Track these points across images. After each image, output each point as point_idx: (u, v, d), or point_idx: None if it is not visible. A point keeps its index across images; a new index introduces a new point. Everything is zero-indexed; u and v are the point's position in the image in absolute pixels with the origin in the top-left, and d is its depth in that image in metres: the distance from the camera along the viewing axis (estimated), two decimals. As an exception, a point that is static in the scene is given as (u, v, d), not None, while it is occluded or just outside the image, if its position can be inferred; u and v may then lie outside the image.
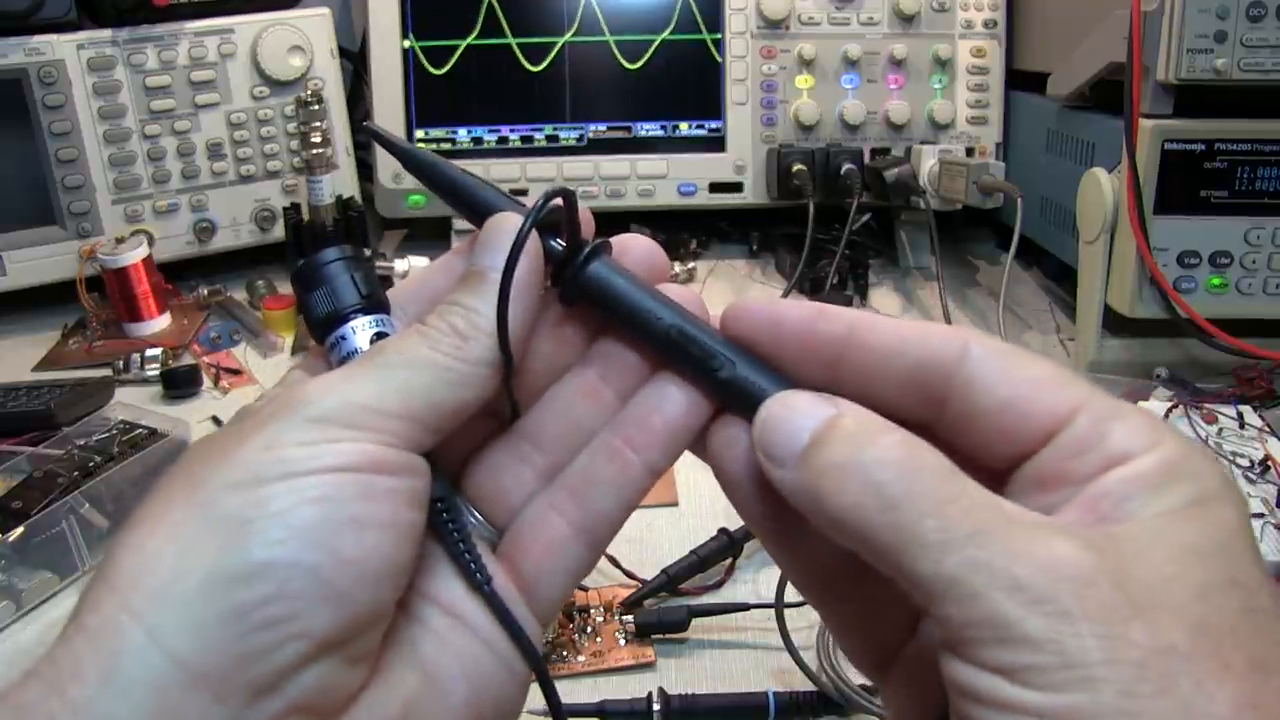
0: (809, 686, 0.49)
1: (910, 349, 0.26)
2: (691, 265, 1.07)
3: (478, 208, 0.30)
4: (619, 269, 0.29)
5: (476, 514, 0.30)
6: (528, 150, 1.11)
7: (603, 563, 0.57)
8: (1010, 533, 0.21)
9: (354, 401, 0.25)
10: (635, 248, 0.30)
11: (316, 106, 0.97)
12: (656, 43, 1.09)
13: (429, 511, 0.26)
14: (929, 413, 0.26)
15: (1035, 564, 0.21)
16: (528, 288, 0.28)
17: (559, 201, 0.28)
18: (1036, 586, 0.20)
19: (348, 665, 0.24)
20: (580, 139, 1.11)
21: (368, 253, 0.98)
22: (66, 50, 0.95)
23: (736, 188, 1.10)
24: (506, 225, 0.28)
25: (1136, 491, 0.22)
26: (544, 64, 1.09)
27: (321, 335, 0.29)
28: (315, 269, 0.29)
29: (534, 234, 0.28)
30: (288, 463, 0.24)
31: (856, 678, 0.49)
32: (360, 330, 0.28)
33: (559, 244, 0.29)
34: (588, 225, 0.30)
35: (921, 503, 0.22)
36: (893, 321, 0.26)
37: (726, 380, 0.28)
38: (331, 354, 0.28)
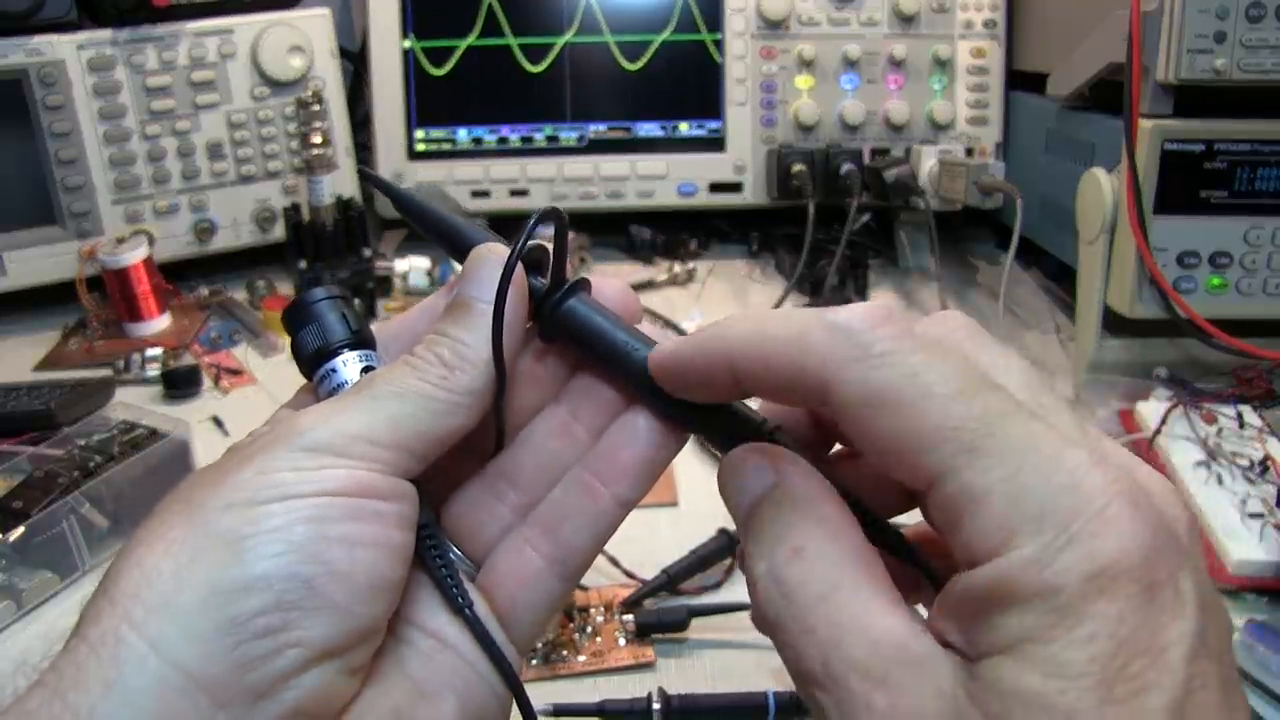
0: (809, 686, 0.49)
1: (784, 384, 0.24)
2: (691, 265, 1.07)
3: (466, 249, 0.30)
4: (598, 306, 0.30)
5: (455, 550, 0.30)
6: (528, 150, 1.11)
7: (603, 563, 0.57)
8: (847, 677, 0.21)
9: (345, 431, 0.26)
10: (608, 290, 0.31)
11: (316, 107, 0.97)
12: (656, 43, 1.09)
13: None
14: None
15: None
16: (513, 317, 0.28)
17: (537, 242, 0.29)
18: None
19: (343, 675, 0.25)
20: (580, 139, 1.11)
21: (368, 253, 0.99)
22: (66, 50, 0.95)
23: (736, 188, 1.10)
24: (489, 255, 0.29)
25: (979, 613, 0.20)
26: (544, 64, 1.09)
27: (310, 370, 0.29)
28: (304, 307, 0.29)
29: (518, 265, 0.28)
30: (281, 486, 0.24)
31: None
32: (350, 364, 0.29)
33: (539, 281, 0.30)
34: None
35: (784, 632, 0.23)
36: (765, 349, 0.24)
37: (704, 410, 0.28)
38: (321, 387, 0.29)
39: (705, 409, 0.28)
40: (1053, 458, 0.20)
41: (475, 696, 0.28)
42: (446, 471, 0.30)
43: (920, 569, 0.25)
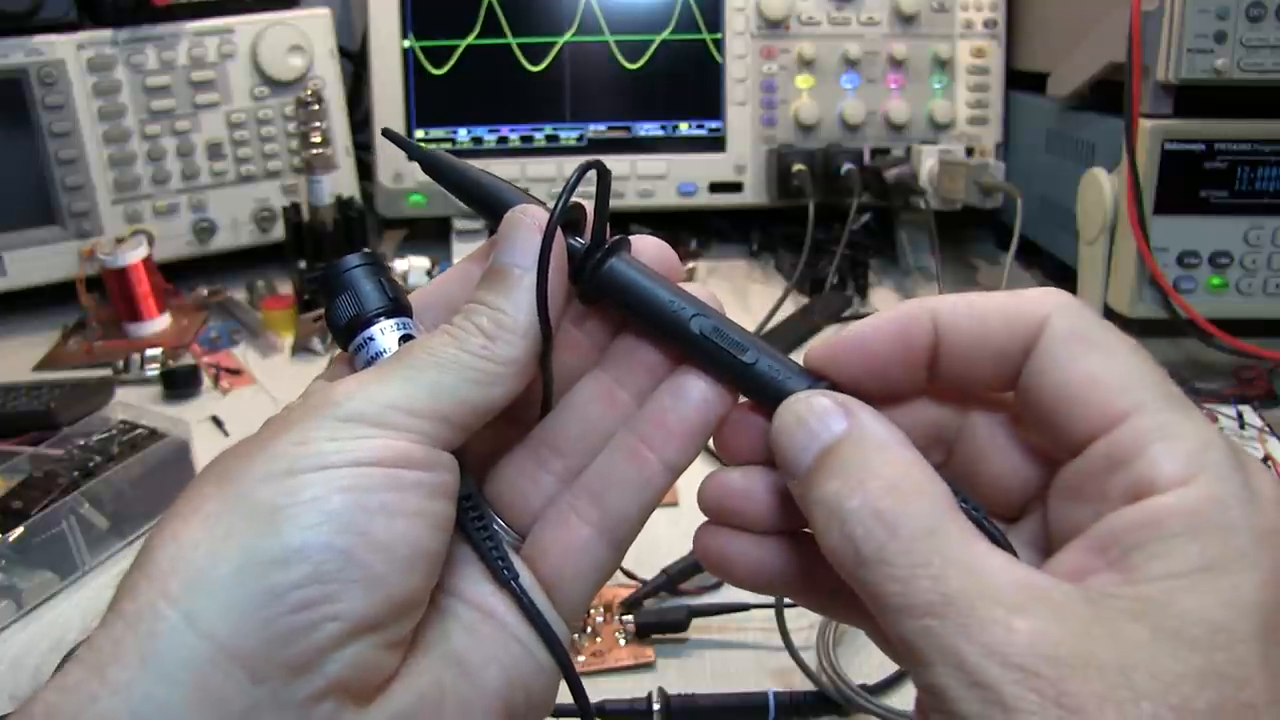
0: (809, 686, 0.49)
1: (992, 330, 0.25)
2: (691, 265, 1.07)
3: (499, 208, 0.29)
4: (640, 266, 0.29)
5: (499, 520, 0.30)
6: (527, 150, 1.11)
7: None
8: (974, 604, 0.20)
9: (382, 401, 0.25)
10: (647, 248, 0.30)
11: (316, 106, 0.97)
12: (656, 43, 1.09)
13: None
14: (1014, 383, 0.25)
15: (985, 646, 0.20)
16: (554, 281, 0.27)
17: (574, 200, 0.28)
18: (980, 671, 0.20)
19: (383, 648, 0.24)
20: (580, 139, 1.11)
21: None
22: (66, 50, 0.95)
23: (736, 188, 1.10)
24: (524, 217, 0.28)
25: (1147, 541, 0.21)
26: (544, 64, 1.09)
27: (346, 339, 0.28)
28: (339, 274, 0.28)
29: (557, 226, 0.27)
30: (318, 456, 0.24)
31: (857, 677, 0.49)
32: (387, 332, 0.28)
33: (577, 241, 0.29)
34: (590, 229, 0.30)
35: (889, 565, 0.22)
36: (975, 303, 0.25)
37: (753, 371, 0.27)
38: (357, 357, 0.28)
39: (755, 370, 0.27)
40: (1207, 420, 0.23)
41: (521, 669, 0.27)
42: (488, 441, 0.29)
43: (985, 527, 0.25)
